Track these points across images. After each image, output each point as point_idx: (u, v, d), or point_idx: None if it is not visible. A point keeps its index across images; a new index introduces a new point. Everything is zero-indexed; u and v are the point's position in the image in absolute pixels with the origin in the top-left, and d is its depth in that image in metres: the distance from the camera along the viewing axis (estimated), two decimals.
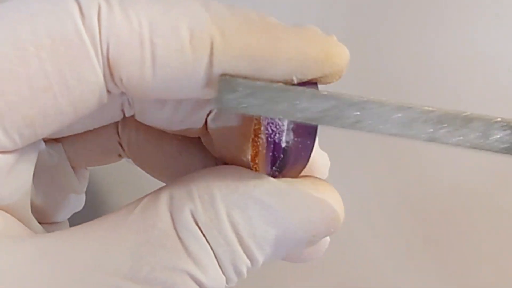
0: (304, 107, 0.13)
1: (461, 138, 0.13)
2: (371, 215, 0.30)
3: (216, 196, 0.14)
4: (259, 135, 0.16)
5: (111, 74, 0.14)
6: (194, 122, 0.18)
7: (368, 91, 0.29)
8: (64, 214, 0.21)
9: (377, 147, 0.30)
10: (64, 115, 0.14)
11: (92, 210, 0.27)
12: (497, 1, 0.28)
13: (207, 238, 0.14)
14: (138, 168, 0.22)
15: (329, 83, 0.15)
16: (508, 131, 0.13)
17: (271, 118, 0.15)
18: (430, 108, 0.13)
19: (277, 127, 0.15)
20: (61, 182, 0.21)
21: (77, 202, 0.22)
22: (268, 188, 0.15)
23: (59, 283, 0.14)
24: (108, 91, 0.14)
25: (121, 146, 0.21)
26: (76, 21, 0.13)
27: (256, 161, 0.16)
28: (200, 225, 0.14)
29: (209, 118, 0.18)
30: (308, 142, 0.15)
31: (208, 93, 0.14)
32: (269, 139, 0.15)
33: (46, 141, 0.20)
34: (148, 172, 0.21)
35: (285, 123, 0.15)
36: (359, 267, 0.30)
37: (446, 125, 0.13)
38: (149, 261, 0.14)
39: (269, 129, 0.15)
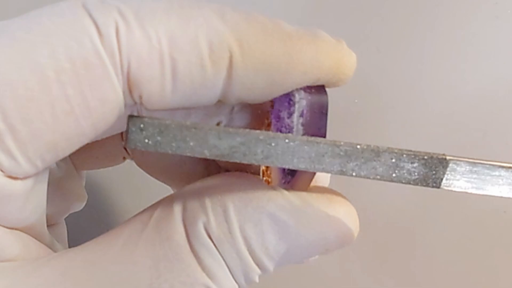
0: (212, 145, 0.13)
1: (371, 171, 0.14)
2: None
3: (229, 209, 0.14)
4: None
5: (130, 90, 0.14)
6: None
7: (366, 91, 0.29)
8: (64, 216, 0.21)
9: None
10: (85, 136, 0.14)
11: (90, 208, 0.28)
12: (497, 3, 0.28)
13: (220, 251, 0.14)
14: (137, 168, 0.22)
15: (335, 87, 0.16)
16: (416, 164, 0.14)
17: (281, 125, 0.16)
18: (337, 143, 0.13)
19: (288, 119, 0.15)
20: (68, 190, 0.21)
21: (79, 205, 0.22)
22: (282, 203, 0.15)
23: None
24: (125, 105, 0.14)
25: (126, 150, 0.21)
26: (94, 41, 0.13)
27: (268, 171, 0.17)
28: (213, 238, 0.14)
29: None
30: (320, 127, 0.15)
31: (228, 103, 0.15)
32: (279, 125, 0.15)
33: None
34: (152, 176, 0.21)
35: (294, 128, 0.15)
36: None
37: (354, 158, 0.14)
38: (168, 277, 0.14)
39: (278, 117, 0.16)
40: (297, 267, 0.31)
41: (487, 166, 0.14)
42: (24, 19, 0.14)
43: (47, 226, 0.20)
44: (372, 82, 0.30)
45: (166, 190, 0.21)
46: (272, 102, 0.17)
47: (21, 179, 0.14)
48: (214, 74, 0.14)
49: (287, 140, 0.13)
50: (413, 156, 0.13)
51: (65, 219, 0.22)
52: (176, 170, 0.20)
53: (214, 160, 0.20)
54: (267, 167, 0.17)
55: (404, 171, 0.14)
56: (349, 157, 0.13)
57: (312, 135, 0.15)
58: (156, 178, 0.21)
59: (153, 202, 0.16)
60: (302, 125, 0.15)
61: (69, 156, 0.20)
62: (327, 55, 0.15)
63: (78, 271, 0.14)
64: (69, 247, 0.21)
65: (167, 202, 0.15)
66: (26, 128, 0.13)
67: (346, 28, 0.29)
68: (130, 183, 0.29)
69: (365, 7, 0.29)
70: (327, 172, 0.14)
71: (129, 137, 0.13)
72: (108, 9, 0.13)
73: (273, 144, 0.13)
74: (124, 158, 0.22)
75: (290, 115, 0.15)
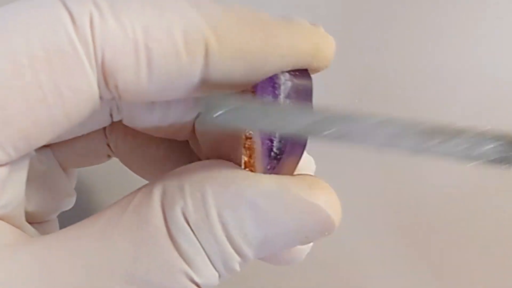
0: (291, 121, 0.13)
1: (451, 149, 0.13)
2: (363, 218, 0.30)
3: (207, 194, 0.14)
4: (251, 138, 0.16)
5: (106, 81, 0.14)
6: (183, 126, 0.19)
7: (366, 91, 0.29)
8: (54, 214, 0.21)
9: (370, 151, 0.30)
10: (58, 125, 0.14)
11: (80, 207, 0.27)
12: (498, 3, 0.28)
13: (198, 237, 0.14)
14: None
15: (317, 72, 0.16)
16: (498, 142, 0.13)
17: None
18: (420, 121, 0.13)
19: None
20: (53, 186, 0.21)
21: (68, 202, 0.22)
22: (261, 189, 0.14)
23: None
24: (100, 97, 0.14)
25: (110, 147, 0.21)
26: (68, 31, 0.13)
27: (252, 160, 0.16)
28: (190, 223, 0.14)
29: (196, 121, 0.18)
30: None
31: (206, 92, 0.15)
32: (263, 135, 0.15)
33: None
34: (136, 174, 0.21)
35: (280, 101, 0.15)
36: (351, 269, 0.30)
37: (434, 136, 0.13)
38: (144, 261, 0.14)
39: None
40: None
41: None
42: (2, 10, 0.14)
43: (40, 223, 0.20)
44: (372, 82, 0.30)
45: None
46: (254, 89, 0.16)
47: None
48: (189, 63, 0.14)
49: (367, 118, 0.13)
50: (493, 134, 0.13)
51: (58, 218, 0.22)
52: (160, 170, 0.20)
53: (199, 158, 0.20)
54: (250, 155, 0.17)
55: (484, 150, 0.13)
56: (429, 134, 0.13)
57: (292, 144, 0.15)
58: (140, 175, 0.21)
59: None
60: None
61: (53, 152, 0.20)
62: (304, 38, 0.15)
63: (55, 256, 0.14)
64: None
65: (147, 187, 0.15)
66: None
67: (346, 28, 0.29)
68: (118, 180, 0.28)
69: (365, 7, 0.29)
70: (408, 150, 0.13)
71: (206, 115, 0.13)
72: (83, 0, 0.14)
73: (352, 121, 0.13)
74: (109, 156, 0.22)
75: (276, 98, 0.15)
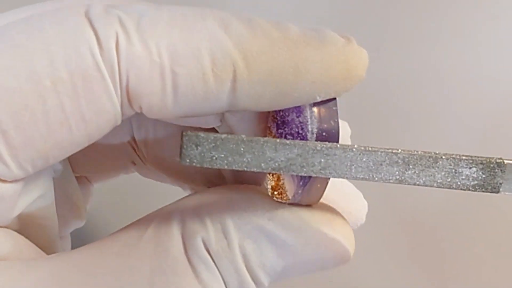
0: (269, 158, 0.13)
1: (429, 178, 0.13)
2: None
3: (229, 226, 0.14)
4: None
5: (130, 103, 0.14)
6: (211, 121, 0.18)
7: (366, 91, 0.29)
8: (66, 230, 0.21)
9: None
10: (78, 145, 0.14)
11: (93, 224, 0.27)
12: (497, 2, 0.28)
13: (218, 266, 0.14)
14: (140, 184, 0.21)
15: (348, 91, 0.15)
16: (474, 169, 0.13)
17: (280, 114, 0.15)
18: (395, 150, 0.13)
19: (298, 118, 0.15)
20: (66, 199, 0.20)
21: (79, 221, 0.21)
22: (283, 223, 0.15)
23: None
24: (122, 114, 0.14)
25: (135, 150, 0.20)
26: (94, 54, 0.13)
27: (279, 183, 0.16)
28: (211, 253, 0.14)
29: (226, 114, 0.18)
30: (333, 130, 0.15)
31: (233, 113, 0.15)
32: (284, 131, 0.15)
33: None
34: (169, 176, 0.21)
35: (307, 113, 0.15)
36: (350, 269, 0.30)
37: (412, 166, 0.13)
38: None
39: (282, 119, 0.15)
40: None
41: None
42: (25, 23, 0.13)
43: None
44: (372, 83, 0.30)
45: (166, 197, 0.21)
46: (274, 120, 0.16)
47: (10, 181, 0.14)
48: (217, 88, 0.14)
49: (344, 150, 0.13)
50: (471, 161, 0.13)
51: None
52: (186, 172, 0.20)
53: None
54: (277, 179, 0.17)
55: (463, 177, 0.13)
56: (407, 164, 0.13)
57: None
58: (171, 177, 0.21)
59: (154, 207, 0.16)
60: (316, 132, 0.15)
61: (73, 169, 0.20)
62: (336, 60, 0.14)
63: (70, 276, 0.14)
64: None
65: (165, 213, 0.15)
66: (19, 135, 0.13)
67: (346, 28, 0.29)
68: (132, 199, 0.29)
69: (366, 7, 0.29)
70: (386, 181, 0.13)
71: (183, 153, 0.13)
72: (110, 19, 0.13)
73: (331, 155, 0.13)
74: (134, 163, 0.21)
75: (302, 124, 0.15)
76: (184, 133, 0.13)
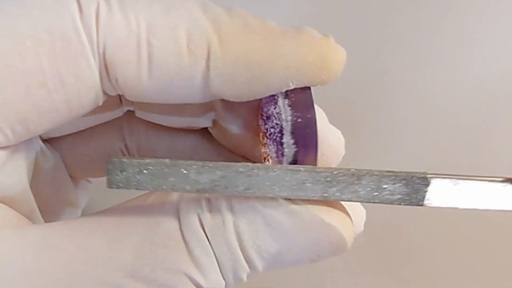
0: (193, 180, 0.13)
1: (353, 194, 0.14)
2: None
3: (225, 204, 0.14)
4: (262, 129, 0.16)
5: (107, 73, 0.14)
6: (201, 122, 0.19)
7: (367, 91, 0.29)
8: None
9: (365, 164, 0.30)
10: (58, 113, 0.14)
11: (92, 207, 0.28)
12: (498, 4, 0.28)
13: (211, 243, 0.14)
14: None
15: (325, 84, 0.15)
16: (398, 184, 0.14)
17: (271, 125, 0.15)
18: (318, 169, 0.13)
19: (275, 110, 0.15)
20: (58, 194, 0.20)
21: (71, 212, 0.22)
22: (280, 206, 0.14)
23: (60, 275, 0.14)
24: (105, 93, 0.15)
25: (127, 148, 0.20)
26: (74, 19, 0.13)
27: (265, 155, 0.16)
28: (206, 229, 0.14)
29: (217, 114, 0.18)
30: (308, 115, 0.15)
31: (208, 98, 0.15)
32: (269, 126, 0.15)
33: (43, 143, 0.19)
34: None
35: (280, 103, 0.15)
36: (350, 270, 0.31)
37: (335, 183, 0.14)
38: (151, 260, 0.14)
39: (266, 114, 0.15)
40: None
41: (469, 181, 0.14)
42: None
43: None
44: (372, 83, 0.30)
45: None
46: (261, 104, 0.16)
47: None
48: (190, 64, 0.14)
49: (267, 171, 0.13)
50: (394, 177, 0.13)
51: None
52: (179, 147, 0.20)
53: (226, 148, 0.20)
54: (265, 157, 0.17)
55: (386, 192, 0.14)
56: (330, 182, 0.14)
57: (300, 108, 0.15)
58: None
59: None
60: (293, 140, 0.15)
61: (61, 156, 0.20)
62: (310, 49, 0.14)
63: (63, 242, 0.14)
64: None
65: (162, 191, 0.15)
66: None
67: (346, 28, 0.29)
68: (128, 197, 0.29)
69: (365, 7, 0.29)
70: (310, 198, 0.14)
71: (109, 179, 0.13)
72: None
73: (253, 176, 0.13)
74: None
75: (280, 130, 0.15)
76: (108, 160, 0.13)
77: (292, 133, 0.15)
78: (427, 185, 0.13)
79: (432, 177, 0.14)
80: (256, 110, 0.17)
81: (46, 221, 0.19)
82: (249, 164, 0.13)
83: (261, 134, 0.16)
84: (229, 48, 0.14)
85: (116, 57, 0.14)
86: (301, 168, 0.13)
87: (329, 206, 0.15)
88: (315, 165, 0.15)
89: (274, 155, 0.16)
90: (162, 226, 0.14)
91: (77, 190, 0.22)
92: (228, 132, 0.18)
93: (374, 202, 0.14)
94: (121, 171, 0.13)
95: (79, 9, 0.13)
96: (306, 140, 0.15)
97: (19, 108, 0.14)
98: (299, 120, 0.15)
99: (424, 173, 0.14)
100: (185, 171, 0.13)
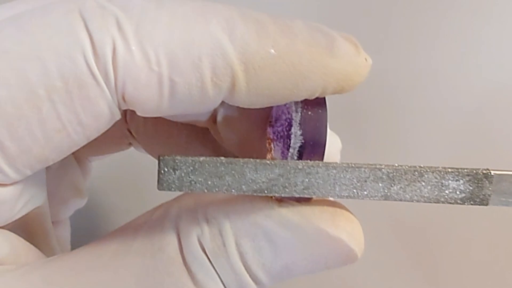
0: (249, 179, 0.13)
1: (416, 192, 0.13)
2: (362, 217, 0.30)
3: (225, 223, 0.14)
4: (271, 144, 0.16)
5: (126, 105, 0.13)
6: (200, 116, 0.18)
7: (367, 91, 0.29)
8: (66, 212, 0.21)
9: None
10: (77, 146, 0.14)
11: (93, 207, 0.27)
12: (498, 5, 0.28)
13: (214, 265, 0.14)
14: (141, 164, 0.21)
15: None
16: (461, 181, 0.13)
17: (279, 131, 0.15)
18: (379, 166, 0.13)
19: (285, 106, 0.15)
20: (65, 177, 0.20)
21: (79, 200, 0.21)
22: (281, 220, 0.14)
23: None
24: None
25: (131, 133, 0.20)
26: (89, 62, 0.12)
27: (272, 151, 0.16)
28: (207, 252, 0.14)
29: (217, 112, 0.18)
30: (320, 110, 0.14)
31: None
32: (277, 127, 0.15)
33: None
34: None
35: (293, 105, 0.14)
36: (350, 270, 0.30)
37: (397, 181, 0.13)
38: None
39: (275, 117, 0.15)
40: None
41: None
42: (14, 26, 0.13)
43: (52, 222, 0.19)
44: (372, 83, 0.30)
45: (171, 193, 0.20)
46: (270, 119, 0.16)
47: (10, 185, 0.14)
48: (214, 96, 0.13)
49: (327, 168, 0.13)
50: (456, 173, 0.13)
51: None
52: (182, 153, 0.19)
53: (220, 145, 0.19)
54: (271, 153, 0.16)
55: (450, 190, 0.13)
56: (392, 180, 0.13)
57: (312, 106, 0.14)
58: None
59: (154, 203, 0.16)
60: (301, 131, 0.14)
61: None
62: (337, 76, 0.14)
63: (66, 279, 0.14)
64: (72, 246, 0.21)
65: (160, 211, 0.15)
66: (15, 144, 0.13)
67: (346, 28, 0.29)
68: (133, 180, 0.28)
69: (364, 8, 0.29)
70: (371, 198, 0.13)
71: (161, 179, 0.13)
72: (106, 20, 0.13)
73: (313, 174, 0.13)
74: (130, 144, 0.21)
75: (289, 122, 0.15)
76: (160, 157, 0.12)
77: (301, 124, 0.14)
78: (491, 182, 0.13)
79: (496, 174, 0.13)
80: (265, 119, 0.16)
81: (53, 210, 0.19)
82: (308, 161, 0.13)
83: (267, 141, 0.16)
84: (254, 82, 0.13)
85: (136, 96, 0.13)
86: (362, 165, 0.13)
87: (334, 213, 0.14)
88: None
89: (280, 151, 0.15)
90: (164, 252, 0.14)
91: (81, 172, 0.21)
92: (228, 137, 0.18)
93: (438, 202, 0.13)
94: (174, 170, 0.12)
95: (93, 49, 0.12)
96: (314, 134, 0.14)
97: (38, 153, 0.13)
98: (310, 112, 0.14)
99: (487, 169, 0.13)
100: (241, 170, 0.13)
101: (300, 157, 0.14)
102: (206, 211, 0.14)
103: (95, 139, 0.20)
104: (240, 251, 0.14)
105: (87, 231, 0.27)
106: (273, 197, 0.15)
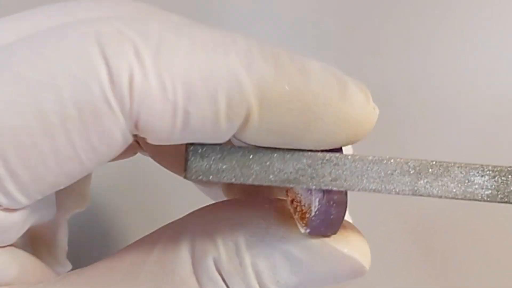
0: (278, 169, 0.13)
1: (442, 188, 0.13)
2: (364, 217, 0.29)
3: (241, 245, 0.14)
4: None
5: (138, 132, 0.13)
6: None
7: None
8: (65, 214, 0.20)
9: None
10: (89, 171, 0.14)
11: (93, 209, 0.26)
12: (498, 3, 0.28)
13: (229, 286, 0.14)
14: (142, 165, 0.21)
15: None
16: (486, 177, 0.13)
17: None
18: (405, 159, 0.13)
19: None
20: (70, 188, 0.19)
21: (81, 202, 0.21)
22: (297, 241, 0.14)
23: None
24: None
25: (138, 143, 0.20)
26: (105, 89, 0.12)
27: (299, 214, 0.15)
28: (223, 273, 0.14)
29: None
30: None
31: None
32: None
33: None
34: (167, 168, 0.20)
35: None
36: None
37: (424, 175, 0.13)
38: None
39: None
40: None
41: None
42: (28, 48, 0.13)
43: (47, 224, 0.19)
44: (372, 83, 0.30)
45: (170, 193, 0.19)
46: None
47: (19, 209, 0.14)
48: (226, 128, 0.13)
49: (354, 160, 0.13)
50: (481, 169, 0.13)
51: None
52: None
53: None
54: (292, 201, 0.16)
55: (476, 186, 0.13)
56: (418, 173, 0.13)
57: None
58: (171, 170, 0.20)
59: (155, 204, 0.15)
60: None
61: None
62: (349, 121, 0.14)
63: None
64: (69, 249, 0.21)
65: (172, 231, 0.15)
66: (27, 173, 0.13)
67: (346, 28, 0.29)
68: (133, 182, 0.28)
69: (364, 9, 0.29)
70: (398, 193, 0.13)
71: (189, 166, 0.12)
72: (123, 47, 0.12)
73: (340, 165, 0.13)
74: (135, 153, 0.20)
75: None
76: (188, 144, 0.12)
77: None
78: None
79: None
80: None
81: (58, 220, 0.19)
82: (336, 153, 0.13)
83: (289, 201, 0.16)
84: (267, 118, 0.13)
85: (149, 125, 0.13)
86: (389, 158, 0.13)
87: (348, 235, 0.15)
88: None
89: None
90: (177, 274, 0.14)
91: (86, 181, 0.21)
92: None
93: (465, 198, 0.13)
94: (202, 158, 0.12)
95: (109, 76, 0.12)
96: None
97: (51, 180, 0.13)
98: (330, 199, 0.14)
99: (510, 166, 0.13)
100: (270, 159, 0.13)
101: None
102: (221, 231, 0.14)
103: None
104: (256, 270, 0.14)
105: (85, 231, 0.27)
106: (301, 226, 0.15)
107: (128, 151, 0.20)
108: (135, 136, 0.19)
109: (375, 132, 0.30)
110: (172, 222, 0.15)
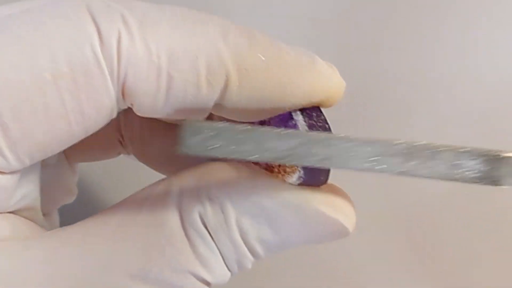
0: (271, 147, 0.13)
1: (431, 169, 0.13)
2: (362, 216, 0.30)
3: (226, 202, 0.15)
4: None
5: (124, 99, 0.14)
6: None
7: (368, 92, 0.30)
8: (54, 206, 0.21)
9: None
10: (76, 138, 0.14)
11: (81, 201, 0.27)
12: (498, 3, 0.28)
13: (215, 240, 0.14)
14: (130, 159, 0.22)
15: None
16: (477, 160, 0.13)
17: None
18: (396, 140, 0.13)
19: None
20: (57, 179, 0.20)
21: (69, 197, 0.22)
22: (282, 201, 0.15)
23: (67, 285, 0.14)
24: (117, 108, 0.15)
25: (121, 143, 0.21)
26: (95, 50, 0.13)
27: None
28: (208, 227, 0.14)
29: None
30: (318, 112, 0.15)
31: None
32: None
33: None
34: (153, 168, 0.21)
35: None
36: (350, 269, 0.30)
37: (413, 157, 0.13)
38: (159, 262, 0.14)
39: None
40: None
41: None
42: (27, 16, 0.13)
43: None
44: (372, 83, 0.30)
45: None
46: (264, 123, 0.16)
47: (7, 173, 0.14)
48: (207, 94, 0.14)
49: (346, 140, 0.13)
50: (469, 153, 0.13)
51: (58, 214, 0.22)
52: (178, 161, 0.20)
53: None
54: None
55: (465, 169, 0.13)
56: (407, 155, 0.13)
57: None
58: (157, 170, 0.21)
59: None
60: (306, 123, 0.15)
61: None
62: (320, 86, 0.15)
63: (69, 250, 0.14)
64: None
65: (163, 186, 0.15)
66: (18, 128, 0.13)
67: (346, 28, 0.29)
68: (122, 174, 0.28)
69: (363, 8, 0.29)
70: (387, 172, 0.13)
71: (184, 142, 0.13)
72: (112, 15, 0.13)
73: (332, 145, 0.13)
74: (119, 153, 0.22)
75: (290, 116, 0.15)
76: (184, 121, 0.13)
77: (304, 117, 0.15)
78: (507, 163, 0.13)
79: (508, 155, 0.13)
80: None
81: (44, 209, 0.19)
82: (328, 133, 0.13)
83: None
84: (246, 82, 0.14)
85: (135, 88, 0.14)
86: (379, 140, 0.13)
87: (333, 197, 0.15)
88: (327, 178, 0.15)
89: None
90: (167, 226, 0.14)
91: (72, 173, 0.22)
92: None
93: (452, 180, 0.13)
94: (196, 134, 0.13)
95: (99, 38, 0.13)
96: (318, 125, 0.15)
97: (39, 139, 0.14)
98: (308, 111, 0.15)
99: (501, 150, 0.13)
100: (263, 137, 0.13)
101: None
102: (208, 191, 0.15)
103: (86, 144, 0.20)
104: (241, 227, 0.15)
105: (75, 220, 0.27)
106: (280, 175, 0.16)
107: (112, 151, 0.21)
108: (119, 127, 0.20)
109: (372, 125, 0.31)
110: (163, 179, 0.16)
